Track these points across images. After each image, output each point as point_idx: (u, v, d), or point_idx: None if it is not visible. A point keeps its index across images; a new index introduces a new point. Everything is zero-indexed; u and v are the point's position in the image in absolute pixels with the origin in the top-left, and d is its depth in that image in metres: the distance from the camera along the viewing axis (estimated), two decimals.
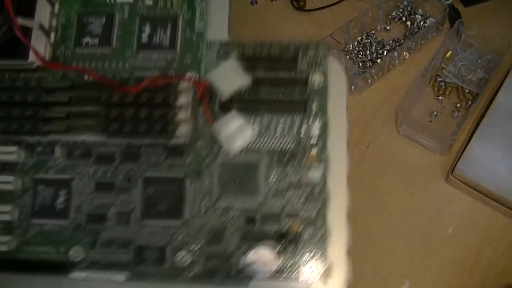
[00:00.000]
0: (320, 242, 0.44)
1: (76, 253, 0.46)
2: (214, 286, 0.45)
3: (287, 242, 0.44)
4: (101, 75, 0.46)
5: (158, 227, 0.46)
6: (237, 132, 0.45)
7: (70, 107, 0.46)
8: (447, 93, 0.66)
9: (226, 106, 0.46)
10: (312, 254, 0.44)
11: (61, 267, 0.46)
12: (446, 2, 0.72)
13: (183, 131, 0.45)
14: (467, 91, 0.66)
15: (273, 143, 0.46)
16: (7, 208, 0.46)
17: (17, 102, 0.46)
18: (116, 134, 0.45)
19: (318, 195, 0.45)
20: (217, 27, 0.48)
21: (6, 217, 0.46)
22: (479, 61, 0.66)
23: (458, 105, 0.66)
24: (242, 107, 0.46)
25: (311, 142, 0.46)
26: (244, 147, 0.46)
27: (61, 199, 0.47)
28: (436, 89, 0.68)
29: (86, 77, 0.48)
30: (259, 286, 0.44)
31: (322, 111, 0.46)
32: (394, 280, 0.54)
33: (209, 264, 0.45)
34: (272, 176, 0.45)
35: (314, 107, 0.46)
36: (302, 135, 0.46)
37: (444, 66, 0.67)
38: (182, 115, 0.45)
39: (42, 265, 0.46)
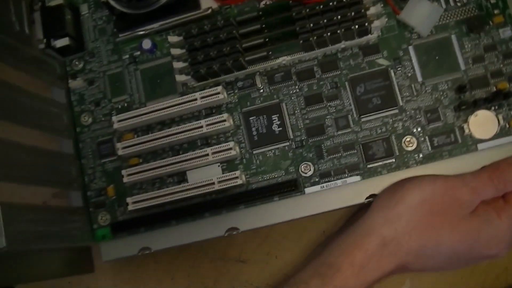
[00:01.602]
0: None
1: (305, 168, 0.47)
2: (445, 160, 0.46)
3: (501, 99, 0.46)
4: None
5: (377, 120, 0.47)
6: (425, 13, 0.47)
7: (264, 34, 0.47)
8: None
9: None
10: None
11: (295, 186, 0.47)
12: None
13: (378, 24, 0.46)
14: None
15: (457, 14, 0.48)
16: (230, 144, 0.47)
17: (211, 43, 0.47)
18: (314, 46, 0.47)
19: None
20: None
21: (231, 153, 0.47)
22: None
23: None
24: None
25: (492, 2, 0.47)
26: (434, 25, 0.47)
27: (276, 124, 0.48)
28: None
29: (259, 4, 0.49)
30: (488, 146, 0.46)
31: None
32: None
33: (435, 141, 0.46)
34: (467, 44, 0.47)
35: None
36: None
37: None
38: (374, 9, 0.46)
39: (276, 189, 0.47)
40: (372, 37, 0.47)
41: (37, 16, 0.51)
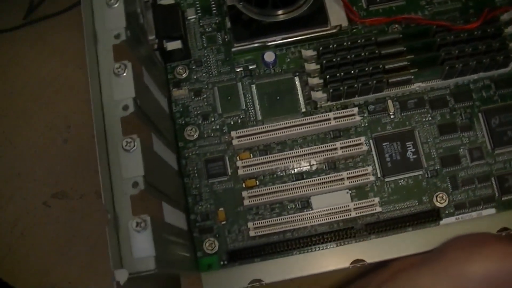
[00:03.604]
0: None
1: (440, 199, 0.46)
2: None
3: None
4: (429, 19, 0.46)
5: (510, 153, 0.47)
6: None
7: (407, 57, 0.46)
8: None
9: None
10: None
11: (437, 216, 0.45)
12: None
13: None
14: None
15: None
16: (368, 169, 0.44)
17: (351, 62, 0.45)
18: (453, 74, 0.46)
19: None
20: None
21: (369, 179, 0.44)
22: None
23: None
24: None
25: None
26: None
27: (411, 151, 0.46)
28: None
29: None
30: None
31: None
32: None
33: None
34: None
35: None
36: None
37: None
38: None
39: (412, 220, 0.45)
40: (505, 71, 0.46)
41: (147, 13, 0.45)
